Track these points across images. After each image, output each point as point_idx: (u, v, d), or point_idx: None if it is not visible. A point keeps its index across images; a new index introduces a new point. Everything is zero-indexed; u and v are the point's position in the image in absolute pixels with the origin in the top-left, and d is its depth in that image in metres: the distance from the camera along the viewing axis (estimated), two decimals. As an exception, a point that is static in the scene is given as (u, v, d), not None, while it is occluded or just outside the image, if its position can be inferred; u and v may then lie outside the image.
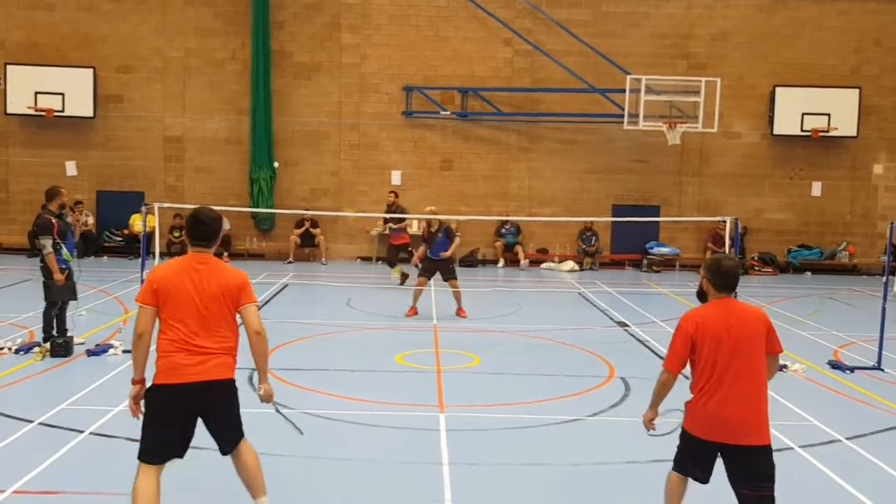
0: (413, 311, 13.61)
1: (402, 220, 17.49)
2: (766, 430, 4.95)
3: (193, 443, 5.88)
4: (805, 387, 9.67)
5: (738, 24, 21.35)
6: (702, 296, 5.30)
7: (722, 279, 5.08)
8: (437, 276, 13.74)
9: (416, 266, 14.37)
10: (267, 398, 5.59)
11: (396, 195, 17.99)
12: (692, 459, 5.16)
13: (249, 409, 8.22)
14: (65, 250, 10.14)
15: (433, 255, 13.71)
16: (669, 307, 15.37)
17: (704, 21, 21.33)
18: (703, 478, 5.16)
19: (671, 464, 5.38)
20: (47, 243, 9.99)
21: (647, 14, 21.24)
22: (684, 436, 5.23)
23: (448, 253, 13.70)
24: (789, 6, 21.35)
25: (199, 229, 5.30)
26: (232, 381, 5.32)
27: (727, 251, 11.97)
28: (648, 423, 5.44)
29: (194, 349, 5.10)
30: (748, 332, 4.93)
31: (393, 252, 17.70)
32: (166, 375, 5.11)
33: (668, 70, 20.69)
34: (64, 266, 10.13)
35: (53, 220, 10.08)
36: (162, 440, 5.14)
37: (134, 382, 5.30)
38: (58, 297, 10.21)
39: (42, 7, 20.80)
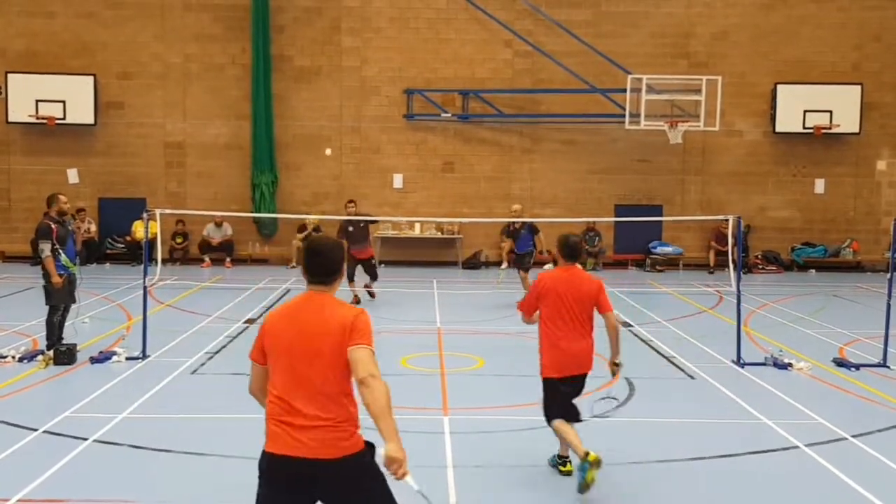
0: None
1: (367, 228, 15.24)
2: (592, 362, 6.64)
3: (193, 447, 5.88)
4: (810, 385, 9.63)
5: (739, 23, 21.31)
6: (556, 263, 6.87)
7: (568, 251, 6.62)
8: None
9: (507, 262, 15.84)
10: (389, 464, 3.92)
11: (355, 203, 15.77)
12: (564, 399, 6.48)
13: (252, 414, 8.22)
14: (64, 256, 10.13)
15: (519, 251, 15.16)
16: (673, 307, 15.34)
17: (704, 20, 21.29)
18: (577, 414, 6.55)
19: (547, 420, 6.57)
20: (45, 247, 10.02)
21: (647, 13, 21.22)
22: (549, 384, 6.54)
23: (532, 248, 15.18)
24: (789, 3, 21.31)
25: (315, 262, 4.16)
26: (347, 459, 4.04)
27: (730, 250, 11.94)
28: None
29: (293, 413, 4.02)
30: (581, 293, 6.46)
31: (353, 266, 14.74)
32: (270, 442, 4.09)
33: (669, 69, 20.67)
34: (63, 272, 10.13)
35: (52, 225, 10.09)
36: None
37: None
38: (56, 300, 10.20)
39: (42, 15, 20.82)
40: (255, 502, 4.08)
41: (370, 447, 4.12)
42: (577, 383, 6.58)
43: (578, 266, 6.73)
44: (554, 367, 6.48)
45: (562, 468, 6.69)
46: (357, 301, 14.39)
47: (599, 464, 6.04)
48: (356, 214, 15.14)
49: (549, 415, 6.55)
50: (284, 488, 3.99)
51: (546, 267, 16.54)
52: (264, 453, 4.06)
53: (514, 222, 15.27)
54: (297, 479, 3.97)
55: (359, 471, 4.05)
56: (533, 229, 15.19)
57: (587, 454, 6.06)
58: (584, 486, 6.08)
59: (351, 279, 14.58)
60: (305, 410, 3.96)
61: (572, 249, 6.63)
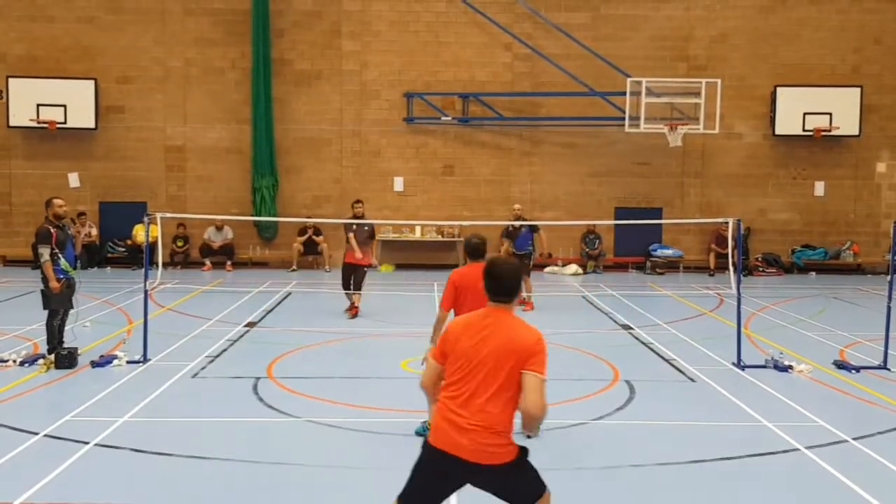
0: (525, 303, 14.67)
1: (370, 232, 14.56)
2: None
3: (195, 451, 5.88)
4: (811, 387, 9.63)
5: (738, 26, 21.35)
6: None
7: (472, 249, 7.73)
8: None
9: None
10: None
11: (363, 203, 14.95)
12: None
13: (253, 417, 8.23)
14: (63, 261, 10.14)
15: (518, 250, 15.08)
16: (674, 309, 15.34)
17: (704, 23, 21.33)
18: None
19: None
20: (45, 251, 10.03)
21: (646, 17, 21.25)
22: None
23: (532, 248, 15.19)
24: (788, 6, 21.34)
25: (494, 285, 4.56)
26: (504, 467, 4.41)
27: (730, 252, 11.95)
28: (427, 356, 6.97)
29: (459, 415, 4.36)
30: (479, 286, 6.88)
31: (349, 273, 14.23)
32: (433, 434, 4.49)
33: (669, 72, 20.70)
34: (62, 276, 10.14)
35: (52, 230, 10.10)
36: (422, 497, 4.56)
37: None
38: (54, 305, 10.21)
39: (42, 20, 20.86)
40: (410, 480, 4.54)
41: (523, 452, 4.52)
42: None
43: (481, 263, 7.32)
44: None
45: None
46: (355, 315, 14.13)
47: None
48: (362, 216, 14.57)
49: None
50: (436, 478, 4.47)
51: (548, 269, 16.63)
52: (426, 442, 4.50)
53: (513, 222, 15.35)
54: (449, 474, 4.43)
55: (513, 474, 4.46)
56: (533, 228, 15.31)
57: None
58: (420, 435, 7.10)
59: (346, 286, 14.23)
60: (470, 415, 4.31)
61: (475, 248, 7.70)
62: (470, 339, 4.40)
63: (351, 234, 14.12)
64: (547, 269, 20.94)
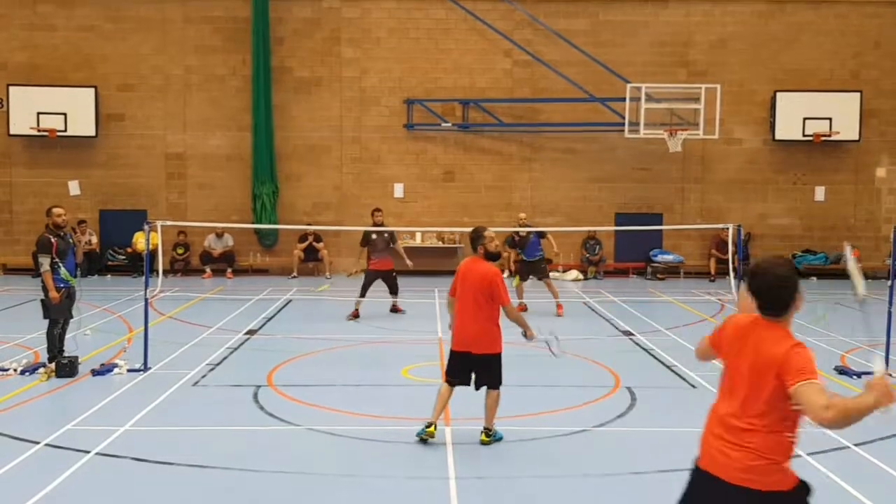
0: (522, 308, 14.61)
1: (389, 239, 14.72)
2: (490, 346, 7.51)
3: (195, 460, 5.86)
4: (812, 393, 9.60)
5: (737, 31, 21.38)
6: (492, 256, 7.69)
7: (470, 241, 7.76)
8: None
9: (511, 271, 15.69)
10: None
11: (382, 212, 15.23)
12: (453, 366, 7.63)
13: (254, 426, 8.23)
14: (63, 270, 10.13)
15: (528, 257, 15.13)
16: (675, 315, 15.34)
17: (703, 28, 21.37)
18: (459, 381, 7.63)
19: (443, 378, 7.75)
20: (45, 261, 10.02)
21: (646, 23, 21.29)
22: (451, 353, 7.68)
23: (543, 254, 15.18)
24: (787, 11, 21.38)
25: (761, 294, 3.91)
26: (774, 495, 3.80)
27: (731, 258, 11.95)
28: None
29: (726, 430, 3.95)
30: (475, 281, 7.47)
31: (372, 278, 14.49)
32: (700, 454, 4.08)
33: (668, 78, 20.73)
34: (62, 285, 10.14)
35: (53, 239, 10.09)
36: None
37: None
38: (54, 314, 10.21)
39: (43, 28, 20.91)
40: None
41: (804, 488, 3.89)
42: (465, 359, 7.57)
43: (477, 257, 7.66)
44: (453, 341, 7.69)
45: (427, 430, 7.54)
46: (356, 317, 14.34)
47: (428, 438, 7.47)
48: (382, 224, 14.86)
49: (445, 376, 7.74)
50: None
51: (550, 275, 16.54)
52: (695, 466, 4.09)
53: (519, 231, 15.33)
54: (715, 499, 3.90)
55: None
56: (540, 233, 15.33)
57: (432, 425, 7.50)
58: (420, 437, 7.48)
59: (363, 293, 14.42)
60: (734, 434, 3.87)
61: (472, 241, 7.77)
62: (737, 347, 3.96)
63: (365, 248, 14.58)
64: (553, 275, 20.92)
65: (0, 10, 20.89)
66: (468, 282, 7.53)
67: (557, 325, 14.22)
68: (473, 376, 7.62)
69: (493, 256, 7.64)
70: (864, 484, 6.62)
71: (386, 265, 14.55)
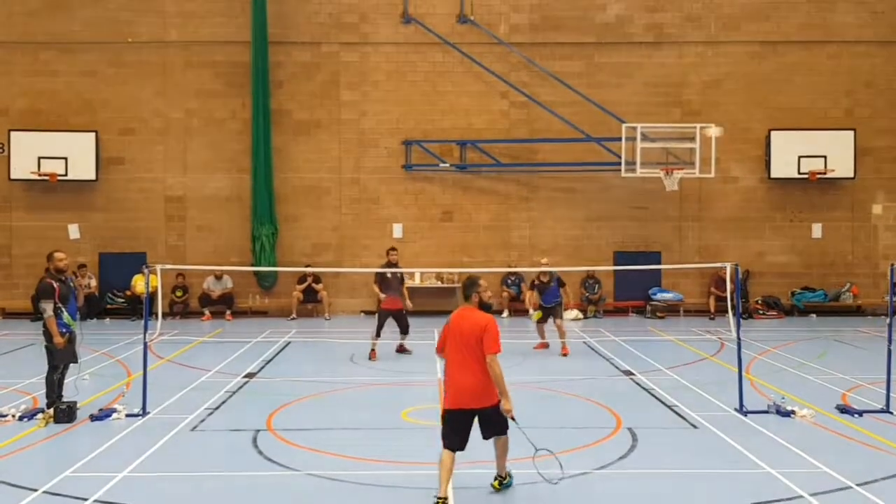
0: (543, 345, 15.51)
1: (402, 279, 15.06)
2: (494, 395, 7.08)
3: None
4: (814, 432, 9.58)
5: (730, 71, 21.66)
6: (486, 306, 7.45)
7: (462, 291, 7.47)
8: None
9: (532, 310, 15.82)
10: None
11: (397, 251, 15.64)
12: (452, 428, 7.12)
13: (253, 471, 8.17)
14: (66, 314, 10.15)
15: (546, 303, 15.32)
16: (675, 354, 15.30)
17: (697, 69, 21.64)
18: (461, 444, 7.13)
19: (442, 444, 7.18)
20: (48, 307, 10.03)
21: (640, 64, 21.57)
22: (445, 415, 7.21)
23: (561, 299, 15.40)
24: (779, 51, 21.68)
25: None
26: None
27: (729, 296, 11.95)
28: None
29: None
30: (471, 330, 7.09)
31: (385, 317, 14.76)
32: None
33: (663, 118, 20.95)
34: (65, 330, 10.15)
35: (55, 285, 10.12)
36: None
37: None
38: (59, 360, 10.21)
39: (45, 74, 21.16)
40: None
41: None
42: (463, 417, 7.16)
43: (471, 307, 7.35)
44: (448, 400, 7.24)
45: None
46: (374, 358, 14.38)
47: None
48: (397, 263, 15.11)
49: (443, 443, 7.21)
50: None
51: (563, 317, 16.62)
52: None
53: (541, 275, 15.45)
54: None
55: None
56: (560, 282, 15.42)
57: (444, 500, 6.94)
58: None
59: (378, 333, 14.58)
60: None
61: (462, 290, 7.50)
62: None
63: (376, 286, 14.73)
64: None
65: (2, 56, 21.15)
66: (464, 331, 7.11)
67: (560, 365, 14.22)
68: (479, 429, 7.26)
69: (486, 307, 7.39)
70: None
71: (398, 304, 14.73)
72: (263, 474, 8.13)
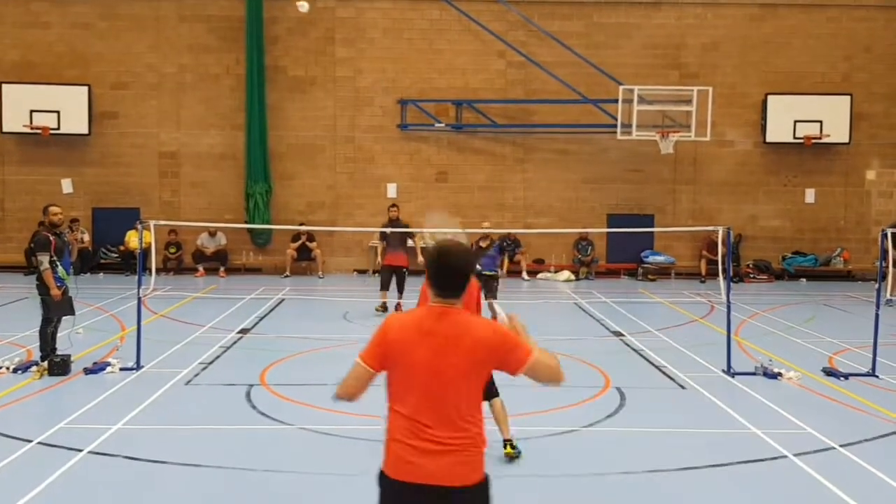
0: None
1: (404, 236, 14.92)
2: None
3: (188, 458, 5.89)
4: (799, 394, 9.72)
5: (729, 34, 21.51)
6: None
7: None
8: None
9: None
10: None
11: (398, 207, 15.71)
12: None
13: (246, 425, 8.28)
14: (60, 268, 10.18)
15: (483, 269, 13.60)
16: (665, 316, 15.43)
17: (695, 31, 21.48)
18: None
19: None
20: (44, 259, 10.05)
21: (639, 25, 21.40)
22: None
23: (498, 271, 14.26)
24: (779, 15, 21.51)
25: (442, 275, 3.85)
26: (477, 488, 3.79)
27: (720, 259, 12.03)
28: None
29: (426, 439, 3.79)
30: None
31: (389, 274, 14.74)
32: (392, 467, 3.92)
33: (660, 80, 20.84)
34: (60, 284, 10.18)
35: (51, 237, 10.14)
36: None
37: None
38: (55, 312, 10.26)
39: (37, 26, 20.89)
40: None
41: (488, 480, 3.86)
42: None
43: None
44: None
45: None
46: (384, 309, 14.49)
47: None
48: (397, 219, 14.82)
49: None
50: None
51: (541, 275, 16.61)
52: (385, 477, 3.92)
53: (480, 239, 14.80)
54: None
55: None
56: (501, 249, 14.75)
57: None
58: None
59: (386, 286, 14.50)
60: (439, 435, 3.74)
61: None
62: (423, 346, 3.77)
63: (381, 243, 14.37)
64: (539, 276, 21.03)
65: (-7, 7, 20.89)
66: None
67: (550, 325, 14.33)
68: None
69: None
70: (849, 485, 6.71)
71: (398, 260, 14.49)
72: (256, 428, 8.24)
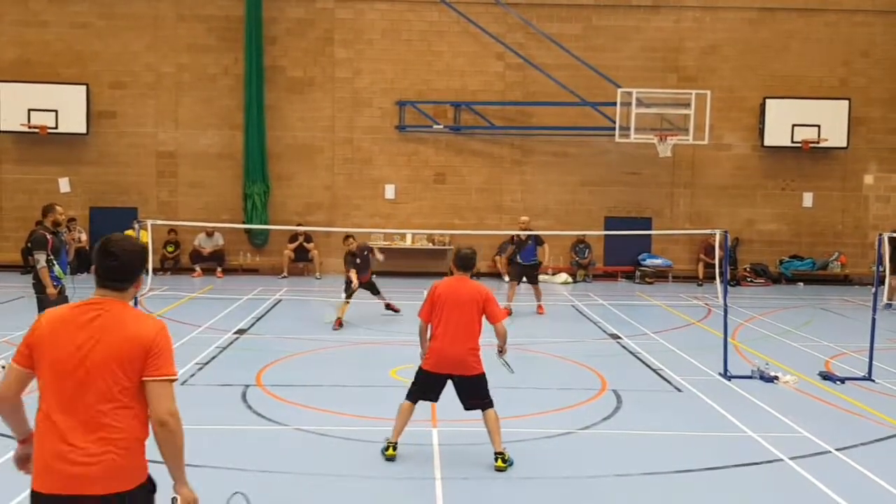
0: (507, 312, 14.20)
1: (369, 257, 14.74)
2: (477, 366, 7.17)
3: (190, 460, 5.81)
4: (796, 398, 9.72)
5: (728, 37, 21.53)
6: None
7: (460, 262, 7.45)
8: None
9: (507, 273, 16.07)
10: None
11: (354, 238, 14.85)
12: (421, 387, 7.30)
13: (241, 425, 8.27)
14: (57, 267, 10.16)
15: (524, 261, 15.46)
16: (662, 319, 15.44)
17: (694, 34, 21.51)
18: (423, 399, 7.35)
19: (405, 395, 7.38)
20: (41, 258, 10.04)
21: (638, 28, 21.41)
22: (420, 374, 7.35)
23: (538, 259, 15.47)
24: (777, 19, 21.54)
25: (106, 264, 3.83)
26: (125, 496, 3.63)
27: (718, 263, 12.05)
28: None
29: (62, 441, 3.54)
30: (467, 299, 7.18)
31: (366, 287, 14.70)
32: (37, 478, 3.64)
33: (659, 83, 20.85)
34: (56, 283, 10.16)
35: (48, 236, 10.13)
36: None
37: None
38: None
39: (35, 24, 20.87)
40: None
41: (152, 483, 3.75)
42: (440, 381, 7.26)
43: (465, 276, 7.45)
44: (429, 362, 7.26)
45: (386, 452, 7.24)
46: (393, 308, 14.89)
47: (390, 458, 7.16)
48: (358, 247, 14.64)
49: (407, 395, 7.37)
50: None
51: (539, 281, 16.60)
52: (34, 493, 3.57)
53: (520, 233, 15.66)
54: None
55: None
56: (539, 240, 15.60)
57: (393, 446, 7.18)
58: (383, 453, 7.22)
59: (377, 293, 14.84)
60: (77, 439, 3.53)
61: (464, 260, 7.45)
62: (72, 342, 3.57)
63: (351, 272, 14.14)
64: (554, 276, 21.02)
65: (-8, 5, 20.86)
66: (459, 300, 7.14)
67: (547, 328, 14.34)
68: (459, 399, 7.25)
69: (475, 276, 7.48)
70: (844, 488, 6.71)
71: (366, 279, 14.60)
72: (252, 428, 8.23)
